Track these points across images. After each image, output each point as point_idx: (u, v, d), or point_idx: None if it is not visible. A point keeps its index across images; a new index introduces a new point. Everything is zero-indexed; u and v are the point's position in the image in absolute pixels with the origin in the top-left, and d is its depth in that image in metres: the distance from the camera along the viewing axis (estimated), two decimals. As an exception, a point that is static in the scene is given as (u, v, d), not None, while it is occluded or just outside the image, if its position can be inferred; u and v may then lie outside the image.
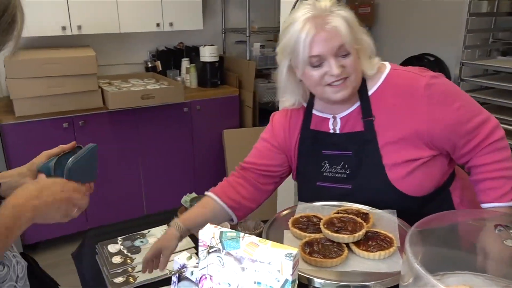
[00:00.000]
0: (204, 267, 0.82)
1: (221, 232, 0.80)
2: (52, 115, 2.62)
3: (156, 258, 1.12)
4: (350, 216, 0.98)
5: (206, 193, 1.30)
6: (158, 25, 3.09)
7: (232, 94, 3.22)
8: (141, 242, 1.50)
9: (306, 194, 1.22)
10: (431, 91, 1.05)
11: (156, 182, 3.05)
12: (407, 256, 0.70)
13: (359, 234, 0.91)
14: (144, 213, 2.98)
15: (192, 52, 3.38)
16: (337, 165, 1.14)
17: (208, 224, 0.83)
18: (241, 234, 0.79)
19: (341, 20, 1.02)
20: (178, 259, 0.95)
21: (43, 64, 2.51)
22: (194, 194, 1.70)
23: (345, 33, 1.01)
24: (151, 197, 3.05)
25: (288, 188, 2.57)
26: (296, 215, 1.03)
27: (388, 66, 1.15)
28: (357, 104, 1.13)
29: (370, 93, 1.12)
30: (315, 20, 1.02)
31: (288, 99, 1.21)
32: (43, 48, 2.86)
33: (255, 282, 0.77)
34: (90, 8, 2.81)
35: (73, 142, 0.99)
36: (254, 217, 1.47)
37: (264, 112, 3.30)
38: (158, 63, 3.38)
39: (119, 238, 1.52)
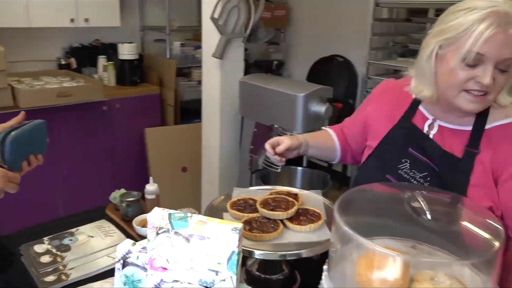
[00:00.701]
0: (154, 248, 0.86)
1: (170, 214, 0.85)
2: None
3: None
4: (282, 196, 1.08)
5: (324, 128, 1.39)
6: (72, 20, 2.96)
7: (153, 93, 3.20)
8: (70, 240, 1.46)
9: (370, 180, 1.05)
10: None
11: (76, 184, 2.92)
12: (336, 222, 0.81)
13: (292, 210, 1.02)
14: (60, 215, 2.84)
15: (110, 50, 3.29)
16: (420, 172, 1.05)
17: (156, 208, 0.87)
18: (189, 214, 0.85)
19: None
20: (122, 246, 0.97)
21: None
22: (123, 190, 1.69)
23: None
24: (72, 198, 2.92)
25: (212, 183, 2.64)
26: (233, 199, 1.11)
27: None
28: (466, 127, 1.03)
29: (487, 126, 1.01)
30: (502, 17, 0.89)
31: (424, 89, 1.05)
32: None
33: (205, 256, 0.83)
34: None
35: (22, 113, 1.10)
36: (184, 208, 1.52)
37: (186, 110, 3.33)
38: (73, 60, 3.24)
39: (45, 238, 1.47)
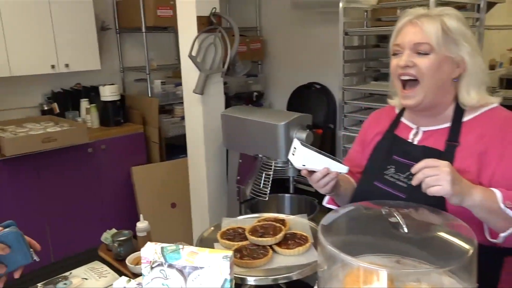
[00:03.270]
0: (149, 282, 0.89)
1: (162, 247, 0.89)
2: None
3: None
4: (270, 222, 1.13)
5: None
6: (53, 66, 3.02)
7: (137, 131, 3.25)
8: (65, 284, 1.47)
9: (360, 191, 1.20)
10: None
11: (65, 227, 2.90)
12: (321, 243, 0.85)
13: (280, 236, 1.06)
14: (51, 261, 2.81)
15: (91, 92, 3.35)
16: (403, 173, 1.14)
17: (148, 242, 0.91)
18: (181, 246, 0.89)
19: (436, 22, 1.06)
20: (117, 284, 1.00)
21: None
22: (114, 230, 1.71)
23: (431, 31, 1.05)
24: (62, 243, 2.89)
25: (202, 216, 2.66)
26: (223, 229, 1.15)
27: (496, 103, 1.13)
28: (447, 124, 1.13)
29: (464, 119, 1.11)
30: (413, 14, 1.10)
31: (395, 97, 1.23)
32: None
33: (199, 286, 0.86)
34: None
35: None
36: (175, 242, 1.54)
37: (171, 146, 3.37)
38: (55, 105, 3.27)
39: (39, 285, 1.47)
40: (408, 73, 1.09)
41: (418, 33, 1.07)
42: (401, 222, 0.85)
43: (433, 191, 0.92)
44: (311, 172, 1.09)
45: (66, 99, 3.34)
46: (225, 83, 2.73)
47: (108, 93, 3.18)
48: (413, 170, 0.97)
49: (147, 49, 3.35)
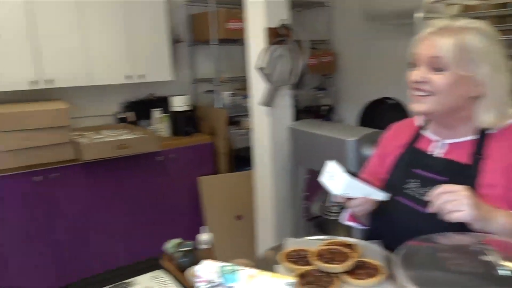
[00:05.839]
0: (205, 303, 0.84)
1: (220, 267, 0.84)
2: (23, 169, 2.58)
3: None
4: (337, 247, 1.03)
5: None
6: (128, 77, 3.16)
7: (206, 142, 3.28)
8: (126, 291, 1.47)
9: (382, 206, 1.14)
10: None
11: (133, 232, 2.99)
12: (400, 278, 0.75)
13: (350, 263, 0.96)
14: (120, 264, 2.90)
15: (163, 102, 3.45)
16: (425, 187, 1.08)
17: (205, 261, 0.86)
18: (239, 267, 0.83)
19: (452, 36, 1.01)
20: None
21: (12, 118, 2.50)
22: (178, 240, 1.70)
23: (445, 48, 1.00)
24: (129, 247, 2.98)
25: (267, 231, 2.60)
26: (286, 250, 1.07)
27: None
28: (470, 137, 1.08)
29: (490, 132, 1.07)
30: (435, 26, 1.05)
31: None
32: (13, 103, 2.86)
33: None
34: (61, 62, 2.86)
35: None
36: (236, 259, 1.49)
37: (238, 158, 3.36)
38: (130, 113, 3.42)
39: (103, 289, 1.49)
40: (423, 89, 1.06)
41: (432, 47, 1.03)
42: (497, 261, 0.72)
43: (455, 217, 0.89)
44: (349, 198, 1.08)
45: (140, 108, 3.47)
46: (294, 96, 2.67)
47: (179, 104, 3.26)
48: (430, 197, 0.94)
49: (217, 62, 3.39)
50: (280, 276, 0.79)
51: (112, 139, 2.84)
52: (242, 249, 3.02)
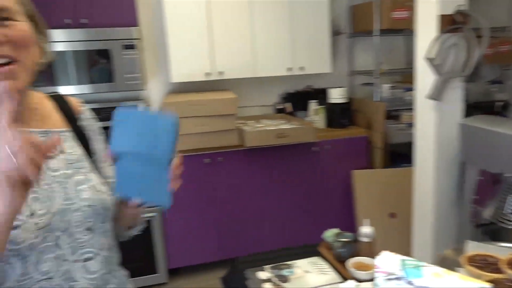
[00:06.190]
0: (383, 294, 0.83)
1: (402, 260, 0.82)
2: (196, 151, 2.90)
3: None
4: (533, 258, 0.92)
5: None
6: (289, 69, 3.28)
7: (361, 135, 3.23)
8: (289, 272, 1.55)
9: None
10: None
11: (282, 217, 3.14)
12: None
13: (550, 277, 0.85)
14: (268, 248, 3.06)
15: (320, 94, 3.50)
16: None
17: (385, 251, 0.85)
18: (422, 262, 0.80)
19: None
20: (345, 285, 0.97)
21: (191, 106, 2.82)
22: (336, 230, 1.72)
23: None
24: (277, 232, 3.14)
25: (425, 233, 2.44)
26: (468, 254, 1.00)
27: None
28: None
29: None
30: None
31: None
32: (189, 92, 3.23)
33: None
34: (230, 55, 3.12)
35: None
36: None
37: (394, 154, 3.23)
38: (288, 104, 3.56)
39: (267, 267, 1.60)
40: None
41: None
42: None
43: None
44: None
45: (297, 99, 3.59)
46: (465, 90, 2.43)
47: (336, 96, 3.27)
48: None
49: (377, 53, 3.29)
50: (471, 279, 0.74)
51: (272, 128, 3.00)
52: (394, 249, 2.90)
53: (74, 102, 0.98)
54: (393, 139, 3.21)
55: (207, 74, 3.08)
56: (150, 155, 0.77)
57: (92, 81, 2.80)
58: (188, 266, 3.08)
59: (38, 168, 0.64)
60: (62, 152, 0.87)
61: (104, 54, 2.79)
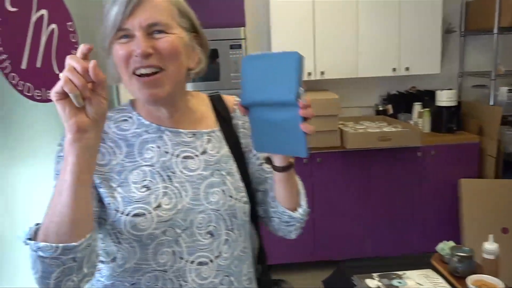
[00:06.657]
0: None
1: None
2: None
3: None
4: None
5: None
6: (394, 69, 3.15)
7: (471, 141, 3.00)
8: (399, 283, 1.50)
9: None
10: None
11: (382, 224, 3.03)
12: None
13: None
14: (365, 255, 2.98)
15: (425, 96, 3.32)
16: None
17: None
18: None
19: None
20: None
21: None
22: (452, 243, 1.62)
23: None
24: (378, 238, 3.04)
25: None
26: None
27: None
28: None
29: None
30: None
31: None
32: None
33: None
34: (332, 55, 3.08)
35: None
36: None
37: (508, 163, 2.96)
38: (390, 106, 3.42)
39: (375, 274, 1.56)
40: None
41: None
42: None
43: None
44: None
45: (400, 101, 3.44)
46: None
47: (445, 98, 3.07)
48: None
49: (495, 53, 3.02)
50: None
51: (374, 131, 2.91)
52: (507, 267, 2.65)
53: (230, 101, 1.01)
54: (509, 147, 2.94)
55: (309, 73, 3.08)
56: (278, 98, 0.77)
57: (202, 80, 2.93)
58: (284, 263, 3.09)
59: (77, 90, 0.66)
60: (204, 152, 0.91)
61: (212, 53, 2.92)
